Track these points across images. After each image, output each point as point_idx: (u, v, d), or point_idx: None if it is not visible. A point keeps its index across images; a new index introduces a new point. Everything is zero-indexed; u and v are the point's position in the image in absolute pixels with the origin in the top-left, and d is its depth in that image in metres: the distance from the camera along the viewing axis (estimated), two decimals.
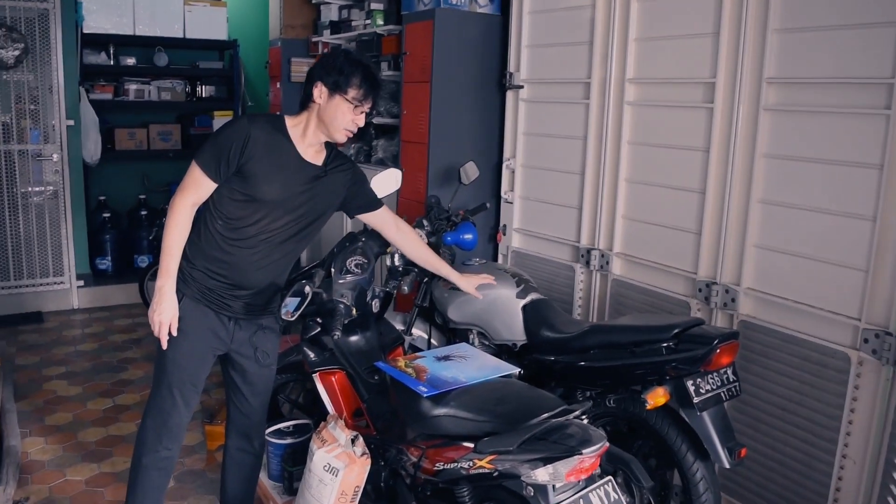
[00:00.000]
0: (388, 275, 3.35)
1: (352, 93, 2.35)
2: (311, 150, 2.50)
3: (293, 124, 2.47)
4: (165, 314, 2.40)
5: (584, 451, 1.93)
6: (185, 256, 2.48)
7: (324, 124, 2.42)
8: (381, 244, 3.07)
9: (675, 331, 2.50)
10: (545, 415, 2.06)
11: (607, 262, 3.58)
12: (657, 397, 2.44)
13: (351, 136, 2.49)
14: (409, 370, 2.51)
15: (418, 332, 3.55)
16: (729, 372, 2.56)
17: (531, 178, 4.04)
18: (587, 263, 3.69)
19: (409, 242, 2.93)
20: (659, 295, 3.32)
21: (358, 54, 2.44)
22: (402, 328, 3.48)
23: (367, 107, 2.42)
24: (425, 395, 2.32)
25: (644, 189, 3.40)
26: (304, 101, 2.47)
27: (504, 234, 4.20)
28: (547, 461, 1.96)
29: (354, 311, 2.78)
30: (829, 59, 2.64)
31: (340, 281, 2.78)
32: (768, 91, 2.82)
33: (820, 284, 2.73)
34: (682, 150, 3.19)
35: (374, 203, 2.81)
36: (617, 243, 3.55)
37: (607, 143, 3.53)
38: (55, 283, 5.86)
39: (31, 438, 3.74)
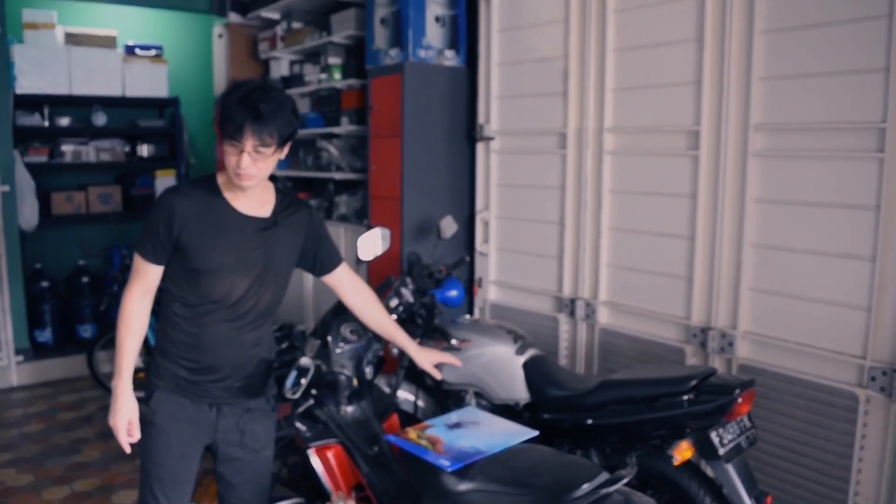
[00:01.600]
0: (374, 337, 3.22)
1: (226, 131, 2.01)
2: (252, 203, 2.21)
3: (224, 180, 2.19)
4: (120, 418, 2.18)
5: None
6: (156, 347, 2.30)
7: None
8: None
9: (693, 382, 2.45)
10: (586, 485, 1.96)
11: (593, 312, 3.55)
12: (683, 452, 2.38)
13: (250, 179, 2.08)
14: (424, 442, 2.38)
15: (404, 394, 3.42)
16: (746, 419, 2.53)
17: (507, 230, 4.00)
18: (571, 313, 3.65)
19: (367, 305, 2.61)
20: (650, 342, 3.29)
21: (246, 85, 2.06)
22: (388, 391, 3.35)
23: (247, 146, 2.00)
24: (449, 470, 2.20)
25: (629, 236, 3.39)
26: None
27: (480, 287, 4.13)
28: None
29: (356, 382, 2.65)
30: (817, 105, 2.69)
31: (338, 350, 2.65)
32: (755, 137, 2.87)
33: (821, 325, 2.75)
34: (667, 197, 3.20)
35: (333, 258, 2.52)
36: (602, 292, 3.52)
37: (587, 192, 3.52)
38: None
39: None
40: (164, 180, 6.61)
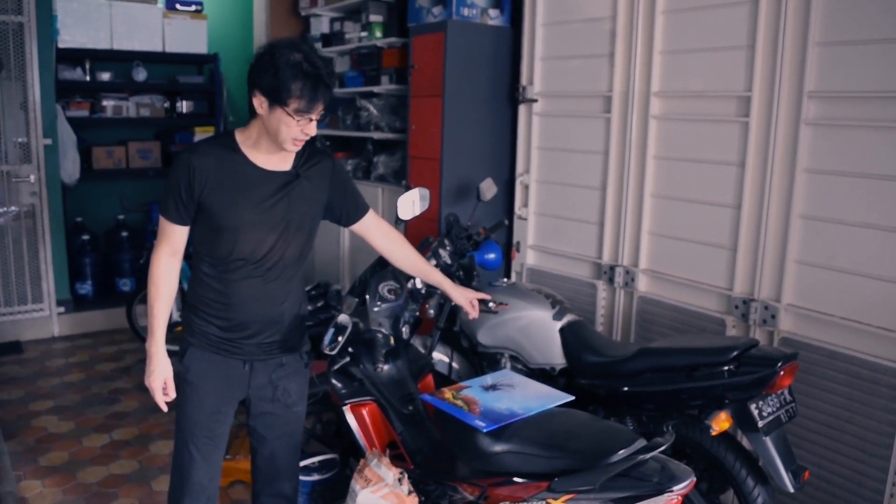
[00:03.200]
0: (410, 297, 3.23)
1: (293, 104, 2.00)
2: (273, 158, 2.20)
3: (244, 137, 2.19)
4: (155, 379, 2.22)
5: (674, 489, 1.83)
6: (188, 305, 2.31)
7: (271, 136, 2.12)
8: None
9: (734, 353, 2.41)
10: (623, 451, 1.95)
11: (632, 279, 3.50)
12: (721, 422, 2.36)
13: (302, 144, 2.17)
14: (460, 402, 2.39)
15: (439, 355, 3.43)
16: (786, 393, 2.48)
17: (546, 194, 3.95)
18: (610, 280, 3.60)
19: (398, 248, 2.59)
20: (690, 312, 3.25)
21: (294, 48, 2.04)
22: (423, 352, 3.35)
23: (315, 115, 2.07)
24: (485, 430, 2.20)
25: (672, 204, 3.33)
26: (249, 110, 2.15)
27: (518, 252, 4.10)
28: (633, 500, 1.85)
29: (393, 340, 2.65)
30: (874, 72, 2.59)
31: (376, 309, 2.64)
32: (809, 105, 2.77)
33: (868, 300, 2.68)
34: (713, 165, 3.13)
35: (360, 206, 2.49)
36: (643, 259, 3.47)
37: (631, 157, 3.45)
38: (34, 310, 5.57)
39: (26, 482, 3.51)
40: (204, 136, 6.65)
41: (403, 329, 2.85)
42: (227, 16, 7.06)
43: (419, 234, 3.95)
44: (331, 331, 2.58)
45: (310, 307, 4.59)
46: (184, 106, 6.78)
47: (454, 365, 3.42)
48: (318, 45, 5.50)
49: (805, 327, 2.87)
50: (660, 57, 3.30)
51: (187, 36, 6.56)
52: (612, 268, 3.59)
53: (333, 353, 2.46)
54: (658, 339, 2.77)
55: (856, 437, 2.70)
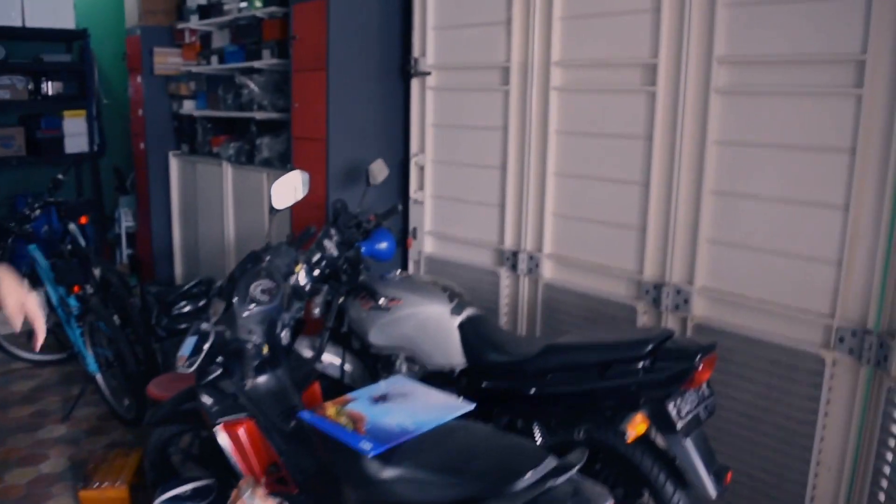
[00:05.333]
0: (293, 295, 2.88)
1: None
2: None
3: None
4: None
5: None
6: None
7: None
8: (290, 261, 2.60)
9: (648, 347, 2.17)
10: (530, 473, 1.67)
11: (536, 265, 3.25)
12: (637, 426, 2.12)
13: None
14: (343, 419, 2.06)
15: (330, 358, 3.08)
16: (705, 387, 2.27)
17: (443, 175, 3.65)
18: (513, 267, 3.35)
19: None
20: (599, 299, 3.02)
21: None
22: (311, 355, 3.01)
23: None
24: (371, 455, 1.88)
25: (577, 183, 3.08)
26: None
27: (415, 239, 3.79)
28: None
29: (266, 349, 2.30)
30: (787, 35, 2.40)
31: (245, 314, 2.29)
32: (719, 71, 2.57)
33: (785, 281, 2.50)
34: (619, 139, 2.90)
35: None
36: (547, 244, 3.22)
37: (531, 133, 3.19)
38: None
39: None
40: (74, 122, 6.09)
41: (282, 334, 2.50)
42: None
43: (307, 223, 3.59)
44: (191, 340, 2.22)
45: (190, 307, 4.19)
46: (50, 87, 6.12)
47: (347, 367, 3.08)
48: (195, 18, 5.02)
49: (720, 312, 2.69)
50: (560, 23, 3.04)
51: (51, 9, 5.90)
52: (514, 254, 3.32)
53: (190, 369, 2.09)
54: (566, 333, 2.52)
55: (777, 426, 2.53)
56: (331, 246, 2.88)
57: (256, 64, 4.34)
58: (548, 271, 3.24)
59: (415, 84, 3.67)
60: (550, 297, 3.21)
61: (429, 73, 3.58)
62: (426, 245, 3.75)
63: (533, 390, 2.37)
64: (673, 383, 2.13)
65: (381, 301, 2.71)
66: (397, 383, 2.32)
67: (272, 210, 2.67)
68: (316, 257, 2.83)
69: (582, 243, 3.10)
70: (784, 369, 2.49)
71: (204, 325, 2.20)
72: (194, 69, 5.12)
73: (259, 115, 4.37)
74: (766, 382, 2.55)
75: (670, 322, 2.80)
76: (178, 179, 5.54)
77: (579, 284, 3.10)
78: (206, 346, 2.17)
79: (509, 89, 3.24)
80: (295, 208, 3.85)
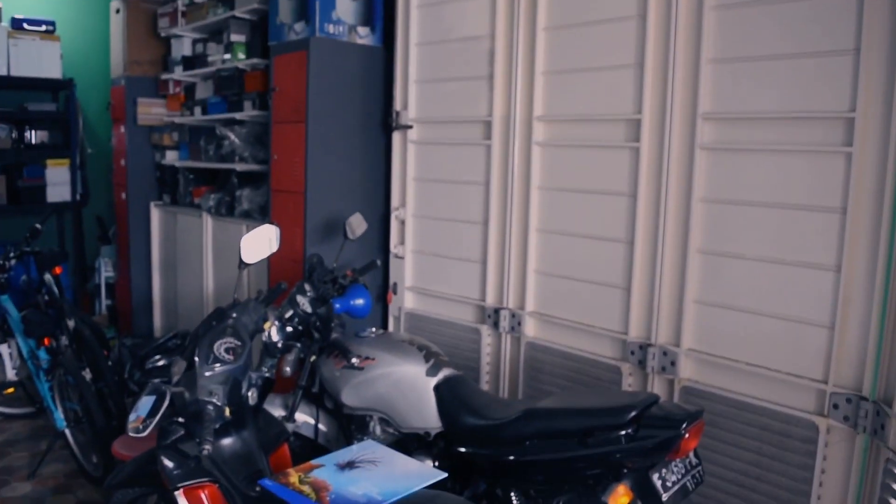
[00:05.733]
0: (265, 353, 2.76)
1: None
2: None
3: None
4: None
5: None
6: None
7: None
8: (258, 318, 2.49)
9: (632, 413, 2.06)
10: None
11: (519, 323, 3.14)
12: (619, 498, 1.99)
13: None
14: (306, 489, 1.93)
15: (303, 417, 2.95)
16: (692, 456, 2.15)
17: (425, 230, 3.56)
18: (495, 325, 3.24)
19: None
20: (583, 359, 2.91)
21: None
22: (284, 414, 2.88)
23: None
24: None
25: (559, 240, 3.00)
26: None
27: (395, 294, 3.68)
28: None
29: (228, 412, 2.17)
30: (774, 92, 2.35)
31: (208, 374, 2.16)
32: (704, 127, 2.51)
33: (776, 344, 2.41)
34: (603, 196, 2.83)
35: None
36: (529, 301, 3.12)
37: (514, 188, 3.12)
38: None
39: None
40: (57, 171, 6.00)
41: (249, 394, 2.38)
42: (83, 38, 6.44)
43: (284, 278, 3.49)
44: (147, 400, 2.09)
45: (164, 361, 4.05)
46: (34, 136, 6.07)
47: (321, 427, 2.94)
48: (180, 69, 4.99)
49: (708, 374, 2.58)
50: (542, 78, 3.00)
51: (37, 58, 5.88)
52: (496, 311, 3.22)
53: (144, 432, 1.96)
54: (547, 397, 2.40)
55: (769, 496, 2.41)
56: (304, 302, 2.78)
57: (238, 115, 4.29)
58: (530, 329, 3.13)
59: (396, 137, 3.61)
60: (533, 356, 3.10)
61: (410, 127, 3.52)
62: (406, 300, 3.64)
63: (511, 457, 2.24)
64: (658, 452, 2.02)
65: (354, 360, 2.59)
66: (367, 449, 2.19)
67: (242, 265, 2.57)
68: (288, 313, 2.74)
69: (565, 301, 3.01)
70: (776, 436, 2.38)
71: (161, 385, 2.08)
72: (177, 120, 5.07)
73: (239, 167, 4.30)
74: (757, 449, 2.43)
75: (657, 384, 2.69)
76: (158, 230, 5.44)
77: (563, 344, 3.00)
78: (163, 408, 2.04)
79: (491, 144, 3.18)
80: (273, 263, 3.77)
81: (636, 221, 2.70)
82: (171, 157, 5.32)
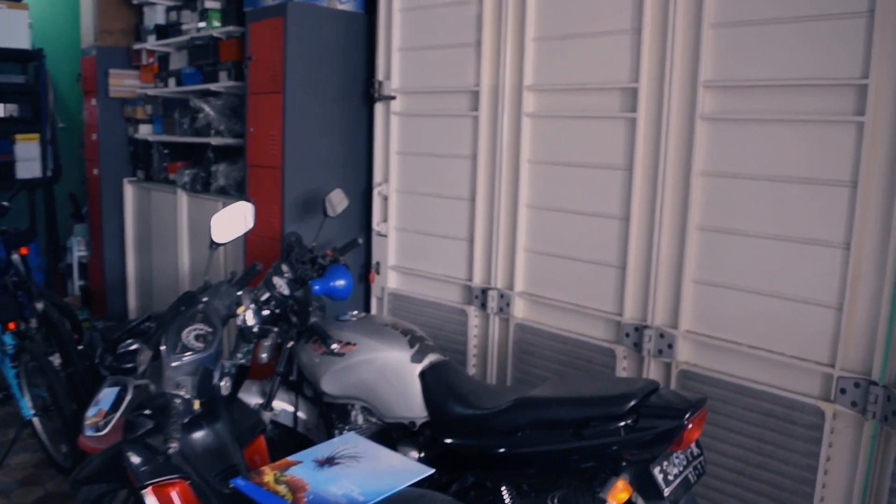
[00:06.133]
0: (239, 338, 2.61)
1: None
2: None
3: None
4: None
5: None
6: None
7: None
8: (231, 303, 2.33)
9: (631, 403, 1.92)
10: None
11: (507, 304, 3.00)
12: (619, 493, 1.87)
13: None
14: (281, 488, 1.79)
15: (282, 405, 2.81)
16: (694, 446, 2.02)
17: (409, 206, 3.40)
18: (482, 306, 3.10)
19: None
20: (575, 342, 2.78)
21: None
22: (261, 402, 2.73)
23: None
24: None
25: (550, 216, 2.86)
26: None
27: (378, 274, 3.53)
28: None
29: (197, 405, 2.03)
30: (780, 58, 2.20)
31: (175, 364, 2.01)
32: (705, 96, 2.36)
33: (779, 325, 2.28)
34: (596, 170, 2.68)
35: None
36: (519, 281, 2.98)
37: (502, 162, 2.96)
38: None
39: None
40: (26, 145, 5.76)
41: (222, 383, 2.23)
42: (52, 6, 6.19)
43: (261, 258, 3.33)
44: (109, 393, 1.95)
45: (137, 345, 3.88)
46: (2, 109, 5.83)
47: (300, 415, 2.80)
48: (153, 38, 4.78)
49: (708, 358, 2.45)
50: (533, 45, 2.83)
51: (4, 28, 5.62)
52: (484, 291, 3.08)
53: (102, 430, 1.82)
54: (539, 384, 2.26)
55: (772, 485, 2.30)
56: (281, 284, 2.64)
57: (213, 86, 4.09)
58: (519, 311, 2.99)
59: (378, 109, 3.43)
60: (522, 338, 2.96)
61: (394, 98, 3.35)
62: (390, 280, 3.49)
63: (502, 449, 2.10)
64: (659, 444, 1.89)
65: (334, 346, 2.44)
66: (348, 443, 2.05)
67: (213, 245, 2.40)
68: (265, 296, 2.59)
69: (556, 281, 2.87)
70: (779, 422, 2.26)
71: (118, 380, 1.93)
72: (150, 92, 4.86)
73: (215, 141, 4.11)
74: (759, 436, 2.31)
75: (653, 368, 2.57)
76: (132, 207, 5.25)
77: (554, 325, 2.86)
78: (125, 403, 1.89)
79: (479, 115, 3.02)
80: (249, 241, 3.61)
81: (632, 196, 2.56)
82: (144, 131, 5.11)
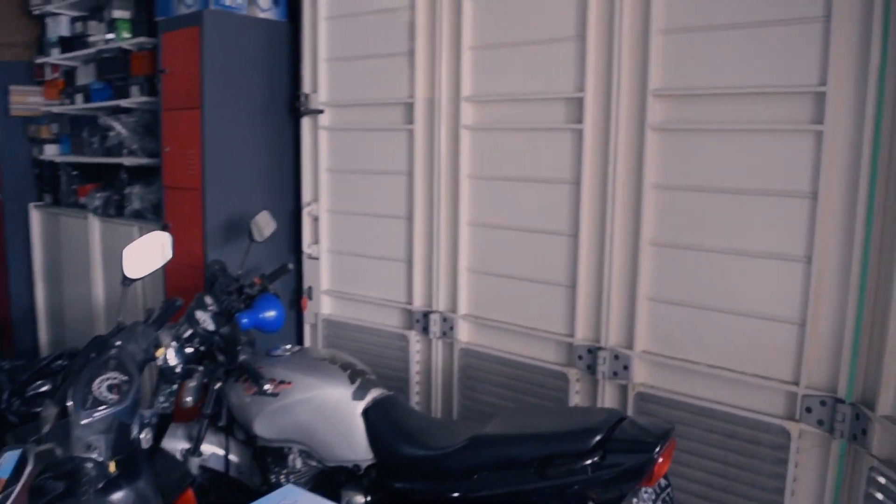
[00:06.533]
0: (160, 380, 2.37)
1: None
2: None
3: None
4: None
5: None
6: None
7: None
8: (148, 345, 2.09)
9: (597, 438, 1.78)
10: None
11: (451, 328, 2.84)
12: None
13: None
14: None
15: (211, 448, 2.56)
16: (661, 478, 1.89)
17: (341, 227, 3.20)
18: (424, 330, 2.92)
19: None
20: (524, 366, 2.64)
21: None
22: (188, 447, 2.49)
23: None
24: None
25: (494, 234, 2.71)
26: None
27: (310, 299, 3.31)
28: None
29: (112, 467, 1.79)
30: (734, 65, 2.11)
31: (85, 421, 1.76)
32: (654, 106, 2.25)
33: (739, 343, 2.19)
34: (542, 184, 2.56)
35: None
36: (462, 303, 2.83)
37: (440, 178, 2.81)
38: None
39: None
40: None
41: (142, 436, 1.99)
42: None
43: (183, 290, 3.08)
44: (8, 458, 1.69)
45: (48, 386, 3.56)
46: None
47: (232, 458, 2.56)
48: (57, 52, 4.43)
49: (665, 379, 2.34)
50: (470, 53, 2.69)
51: None
52: (425, 315, 2.90)
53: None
54: (492, 419, 2.09)
55: None
56: (205, 318, 2.40)
57: (123, 103, 3.80)
58: (464, 334, 2.83)
59: (305, 123, 3.22)
60: (468, 363, 2.80)
61: (321, 111, 3.14)
62: (323, 306, 3.27)
63: (457, 493, 1.93)
64: (628, 481, 1.76)
65: (267, 387, 2.23)
66: (287, 497, 1.84)
67: (125, 281, 2.15)
68: (187, 333, 2.35)
69: (503, 302, 2.72)
70: (744, 443, 2.17)
71: (24, 443, 1.68)
72: (55, 109, 4.51)
73: (128, 161, 3.81)
74: (723, 458, 2.21)
75: (608, 391, 2.44)
76: (40, 234, 4.86)
77: (501, 349, 2.71)
78: (27, 472, 1.64)
79: (414, 128, 2.85)
80: (169, 273, 3.33)
81: (581, 212, 2.44)
82: (50, 152, 4.74)
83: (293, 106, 3.29)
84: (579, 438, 1.80)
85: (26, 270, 4.96)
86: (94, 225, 4.13)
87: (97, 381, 1.84)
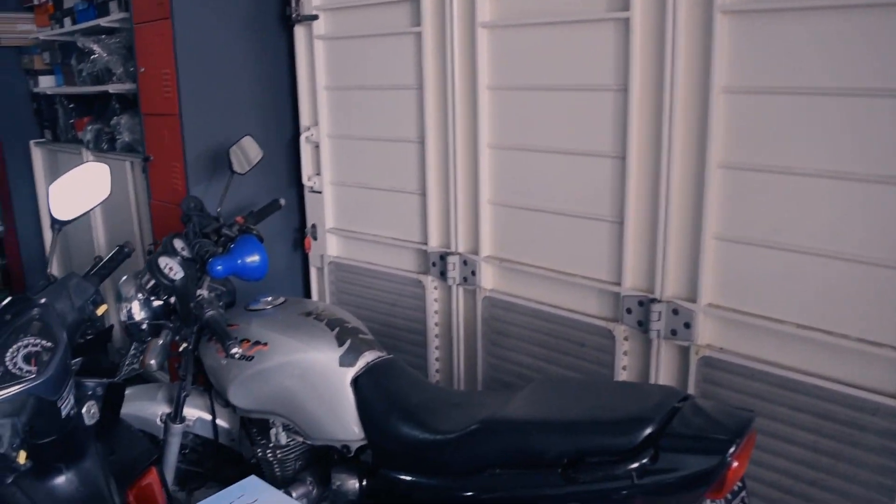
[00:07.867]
0: (128, 336, 2.02)
1: None
2: None
3: None
4: None
5: None
6: None
7: None
8: (85, 301, 1.70)
9: (648, 430, 1.31)
10: None
11: (473, 273, 2.39)
12: None
13: None
14: None
15: (196, 412, 2.19)
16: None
17: (345, 154, 2.74)
18: (442, 275, 2.47)
19: None
20: (562, 319, 2.18)
21: None
22: (168, 411, 2.12)
23: None
24: None
25: (522, 158, 2.22)
26: None
27: (314, 239, 2.88)
28: None
29: (23, 458, 1.41)
30: None
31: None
32: None
33: (836, 298, 1.66)
34: (579, 92, 2.04)
35: None
36: (485, 243, 2.37)
37: (455, 90, 2.31)
38: None
39: None
40: None
41: (84, 410, 1.60)
42: None
43: (170, 230, 2.67)
44: None
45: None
46: None
47: (221, 423, 2.19)
48: None
49: (738, 341, 1.85)
50: None
51: None
52: (443, 257, 2.45)
53: None
54: (518, 392, 1.64)
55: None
56: (172, 265, 2.01)
57: (103, 21, 3.35)
58: (488, 280, 2.38)
59: (299, 33, 2.73)
60: (494, 315, 2.35)
61: (315, 17, 2.64)
62: (329, 247, 2.84)
63: (461, 493, 1.49)
64: (688, 491, 1.28)
65: (234, 350, 1.80)
66: (246, 490, 1.48)
67: (55, 224, 1.75)
68: (150, 283, 1.97)
69: (533, 242, 2.24)
70: (842, 427, 1.69)
71: None
72: (42, 36, 4.10)
73: (113, 89, 3.39)
74: (812, 445, 1.75)
75: (664, 354, 1.96)
76: (43, 173, 4.55)
77: (533, 298, 2.25)
78: None
79: (422, 31, 2.34)
80: (155, 211, 2.94)
81: (628, 125, 1.91)
82: (45, 84, 4.36)
83: (283, 13, 2.79)
84: (623, 430, 1.33)
85: (33, 211, 4.68)
86: (89, 160, 3.76)
87: (11, 349, 1.45)
